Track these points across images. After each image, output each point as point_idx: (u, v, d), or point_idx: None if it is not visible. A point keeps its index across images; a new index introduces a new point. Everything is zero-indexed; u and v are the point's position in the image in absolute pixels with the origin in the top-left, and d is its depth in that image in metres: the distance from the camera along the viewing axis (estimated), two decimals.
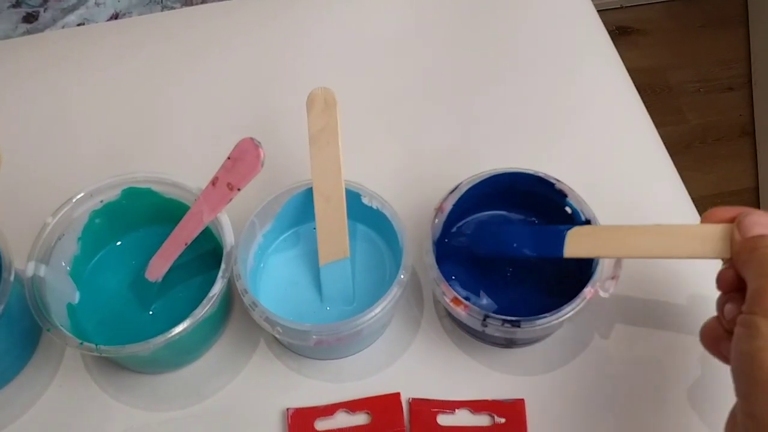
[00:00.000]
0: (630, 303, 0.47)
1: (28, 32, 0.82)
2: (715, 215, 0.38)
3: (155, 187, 0.46)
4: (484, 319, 0.41)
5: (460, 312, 0.41)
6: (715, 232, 0.37)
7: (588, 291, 0.41)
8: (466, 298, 0.43)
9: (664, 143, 0.56)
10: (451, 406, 0.44)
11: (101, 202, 0.46)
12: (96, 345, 0.40)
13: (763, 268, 0.33)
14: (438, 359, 0.46)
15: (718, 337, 0.36)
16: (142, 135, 0.58)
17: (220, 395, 0.45)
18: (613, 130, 0.57)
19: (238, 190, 0.41)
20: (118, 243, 0.48)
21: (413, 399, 0.44)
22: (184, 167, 0.50)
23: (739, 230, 0.35)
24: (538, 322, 0.40)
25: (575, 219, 0.45)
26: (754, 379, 0.30)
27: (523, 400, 0.44)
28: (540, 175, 0.45)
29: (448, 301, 0.42)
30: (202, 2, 0.82)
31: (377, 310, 0.41)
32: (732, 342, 0.32)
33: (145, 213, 0.47)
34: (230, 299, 0.48)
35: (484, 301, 0.45)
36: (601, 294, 0.41)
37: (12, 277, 0.41)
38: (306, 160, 0.44)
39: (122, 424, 0.44)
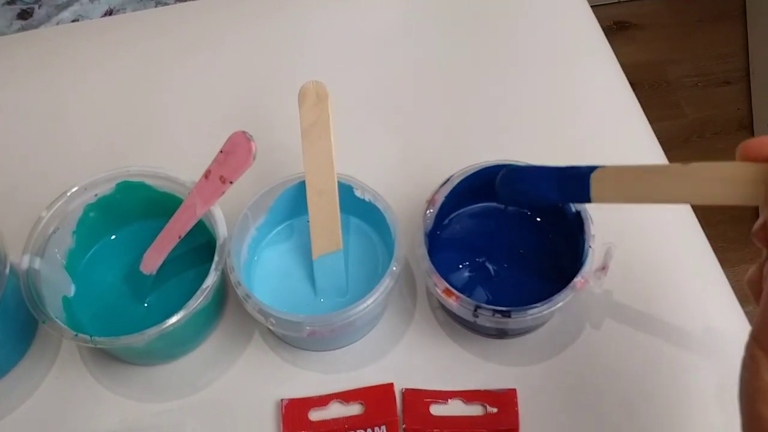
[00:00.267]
0: (620, 294, 0.47)
1: (23, 29, 0.82)
2: (752, 148, 0.29)
3: (149, 181, 0.46)
4: (476, 310, 0.41)
5: (451, 303, 0.42)
6: (755, 172, 0.29)
7: (578, 281, 0.41)
8: (458, 289, 0.43)
9: (662, 138, 0.56)
10: (443, 396, 0.44)
11: (95, 195, 0.46)
12: (90, 336, 0.40)
13: None
14: (431, 350, 0.46)
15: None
16: (136, 130, 0.58)
17: (214, 386, 0.45)
18: (606, 125, 0.57)
19: (231, 183, 0.42)
20: (113, 236, 0.49)
21: (406, 389, 0.44)
22: (178, 161, 0.50)
23: None
24: (529, 312, 0.41)
25: (566, 210, 0.45)
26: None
27: (514, 390, 0.44)
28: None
29: (439, 292, 0.42)
30: None
31: (369, 302, 0.41)
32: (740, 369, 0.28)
33: (139, 206, 0.48)
34: (225, 292, 0.48)
35: (476, 292, 0.46)
36: (595, 290, 0.41)
37: (7, 270, 0.42)
38: (299, 153, 0.45)
39: (118, 415, 0.45)
